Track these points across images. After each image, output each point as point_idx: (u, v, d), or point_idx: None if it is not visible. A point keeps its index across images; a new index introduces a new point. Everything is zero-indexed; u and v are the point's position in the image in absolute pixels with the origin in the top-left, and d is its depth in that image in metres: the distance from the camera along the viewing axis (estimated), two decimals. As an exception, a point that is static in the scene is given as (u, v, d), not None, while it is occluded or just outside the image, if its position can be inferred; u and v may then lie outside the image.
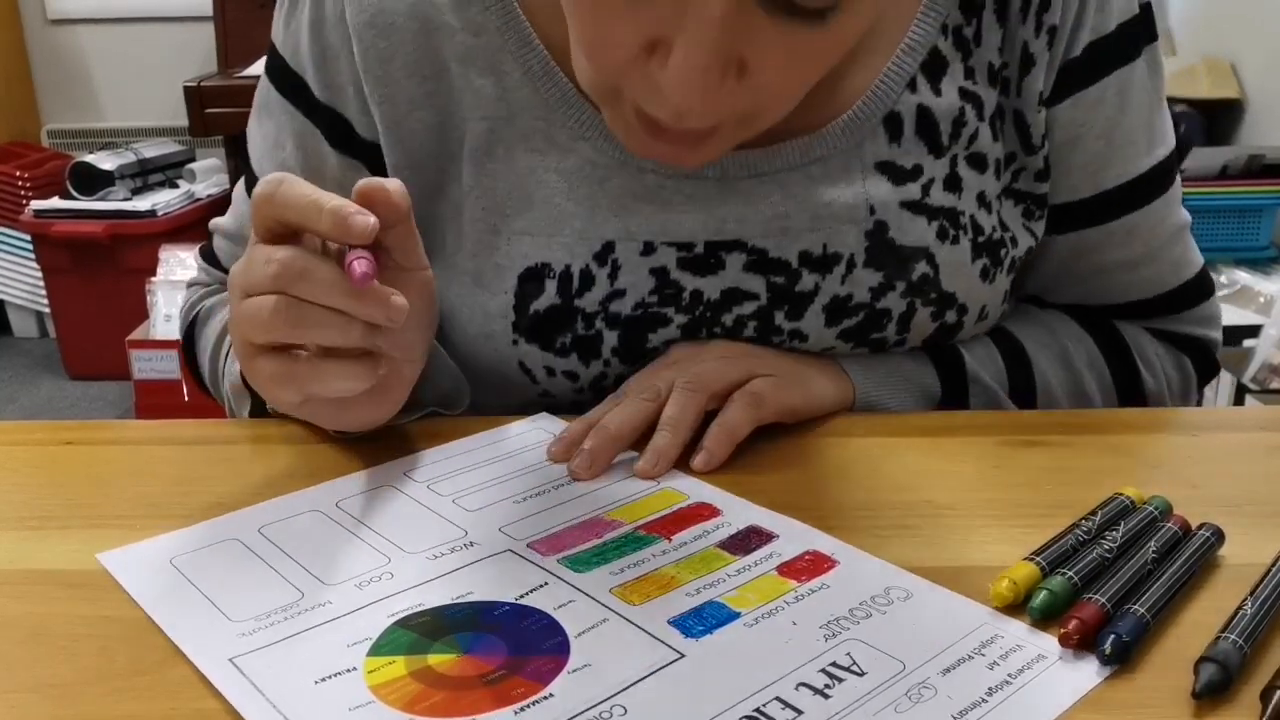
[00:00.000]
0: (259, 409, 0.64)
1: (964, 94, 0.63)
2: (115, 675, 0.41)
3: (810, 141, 0.62)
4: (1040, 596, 0.43)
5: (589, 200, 0.62)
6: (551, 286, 0.62)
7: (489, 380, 0.66)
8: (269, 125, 0.69)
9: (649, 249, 0.62)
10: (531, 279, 0.63)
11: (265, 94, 0.69)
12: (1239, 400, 1.75)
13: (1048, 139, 0.65)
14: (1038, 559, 0.45)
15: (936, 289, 0.63)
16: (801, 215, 0.61)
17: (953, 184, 0.63)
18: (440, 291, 0.64)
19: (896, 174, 0.62)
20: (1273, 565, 0.44)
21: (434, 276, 0.56)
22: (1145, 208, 0.67)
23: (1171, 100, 2.23)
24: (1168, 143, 0.68)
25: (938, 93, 0.62)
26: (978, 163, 0.63)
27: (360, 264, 0.47)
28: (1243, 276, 2.07)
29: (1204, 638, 0.40)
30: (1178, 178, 0.69)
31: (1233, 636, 0.39)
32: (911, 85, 0.62)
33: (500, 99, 0.63)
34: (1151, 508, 0.49)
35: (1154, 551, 0.45)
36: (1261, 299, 2.01)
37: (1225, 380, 1.80)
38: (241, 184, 0.74)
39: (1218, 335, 0.74)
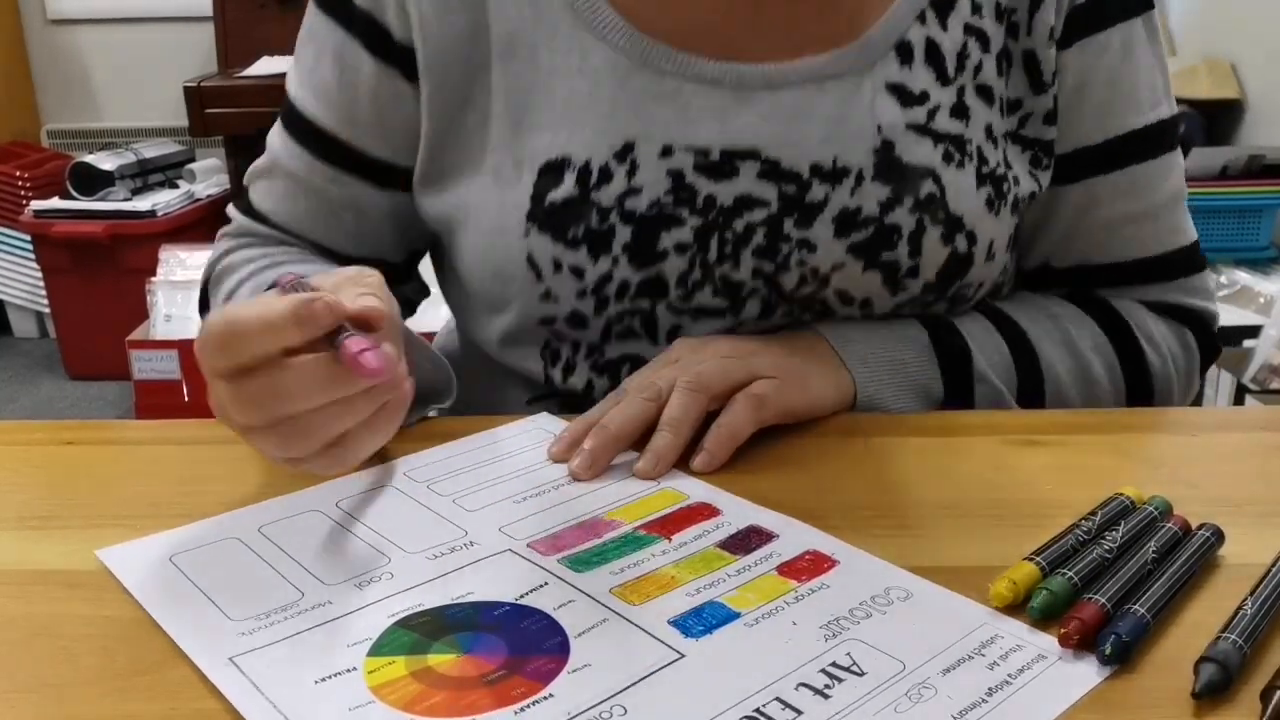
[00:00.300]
0: None
1: (969, 29, 0.66)
2: (115, 675, 0.41)
3: (825, 60, 0.64)
4: (1040, 596, 0.43)
5: (610, 100, 0.64)
6: (570, 179, 0.64)
7: (490, 290, 0.67)
8: (308, 52, 0.71)
9: (667, 152, 0.63)
10: (550, 171, 0.64)
11: (308, 21, 0.71)
12: (1239, 400, 1.75)
13: (1058, 80, 0.67)
14: (1038, 559, 0.45)
15: (944, 209, 0.64)
16: (813, 129, 0.64)
17: (960, 112, 0.65)
18: (460, 196, 0.67)
19: (905, 97, 0.64)
20: (1273, 565, 0.44)
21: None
22: (1150, 161, 0.70)
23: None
24: (1171, 106, 0.71)
25: (944, 27, 0.65)
26: (985, 94, 0.66)
27: (370, 357, 0.44)
28: (1243, 277, 2.07)
29: (1204, 638, 0.40)
30: (1179, 148, 0.72)
31: (1233, 636, 0.39)
32: (921, 18, 0.65)
33: (530, 2, 0.65)
34: (1151, 508, 0.49)
35: (1154, 551, 0.45)
36: (1261, 299, 2.01)
37: (1225, 380, 1.80)
38: (277, 126, 0.75)
39: (1215, 309, 0.76)
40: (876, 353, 0.65)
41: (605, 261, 0.64)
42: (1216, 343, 0.76)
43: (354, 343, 0.45)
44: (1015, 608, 0.43)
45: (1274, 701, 0.37)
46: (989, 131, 0.66)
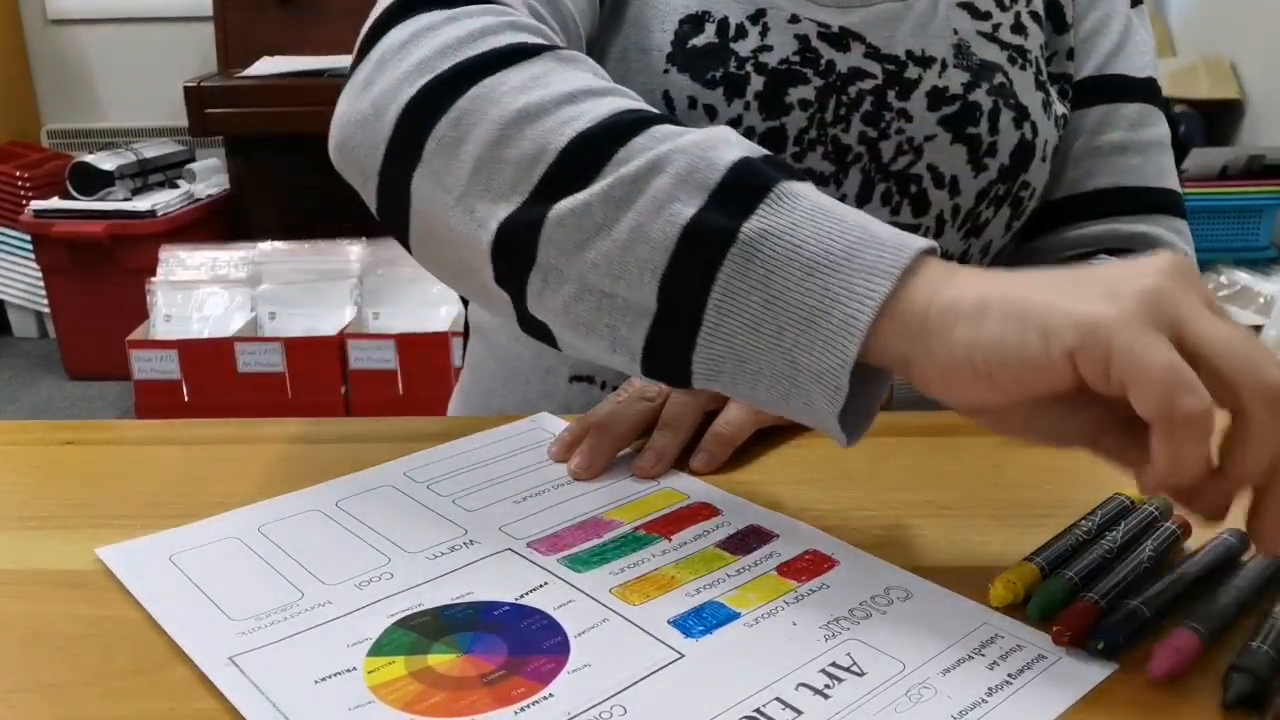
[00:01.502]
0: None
1: None
2: (115, 675, 0.41)
3: None
4: (1039, 596, 0.43)
5: None
6: (710, 29, 0.69)
7: None
8: None
9: (794, 19, 0.69)
10: (691, 21, 0.69)
11: None
12: (1239, 400, 1.74)
13: (1074, 32, 0.76)
14: (1037, 559, 0.45)
15: (1014, 97, 0.71)
16: (904, 30, 0.71)
17: (1019, 29, 0.74)
18: (602, 41, 0.68)
19: (974, 12, 0.73)
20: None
21: None
22: (1144, 104, 0.77)
23: (1171, 100, 2.23)
24: (1158, 76, 0.79)
25: None
26: (1036, 19, 0.75)
27: None
28: (1243, 277, 2.07)
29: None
30: (1167, 122, 0.78)
31: (1264, 646, 0.39)
32: None
33: None
34: (1151, 508, 0.49)
35: (1151, 550, 0.45)
36: (1261, 299, 2.01)
37: (1225, 380, 1.79)
38: None
39: (1192, 254, 0.78)
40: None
41: (738, 105, 0.68)
42: None
43: None
44: (1014, 607, 0.43)
45: (1275, 706, 0.37)
46: (1042, 49, 0.75)
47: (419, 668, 0.41)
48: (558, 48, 0.52)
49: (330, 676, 0.40)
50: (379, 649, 0.42)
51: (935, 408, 0.44)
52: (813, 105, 0.69)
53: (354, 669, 0.41)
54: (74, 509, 0.54)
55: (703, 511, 0.52)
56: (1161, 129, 0.78)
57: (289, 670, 0.40)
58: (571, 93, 0.48)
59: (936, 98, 0.70)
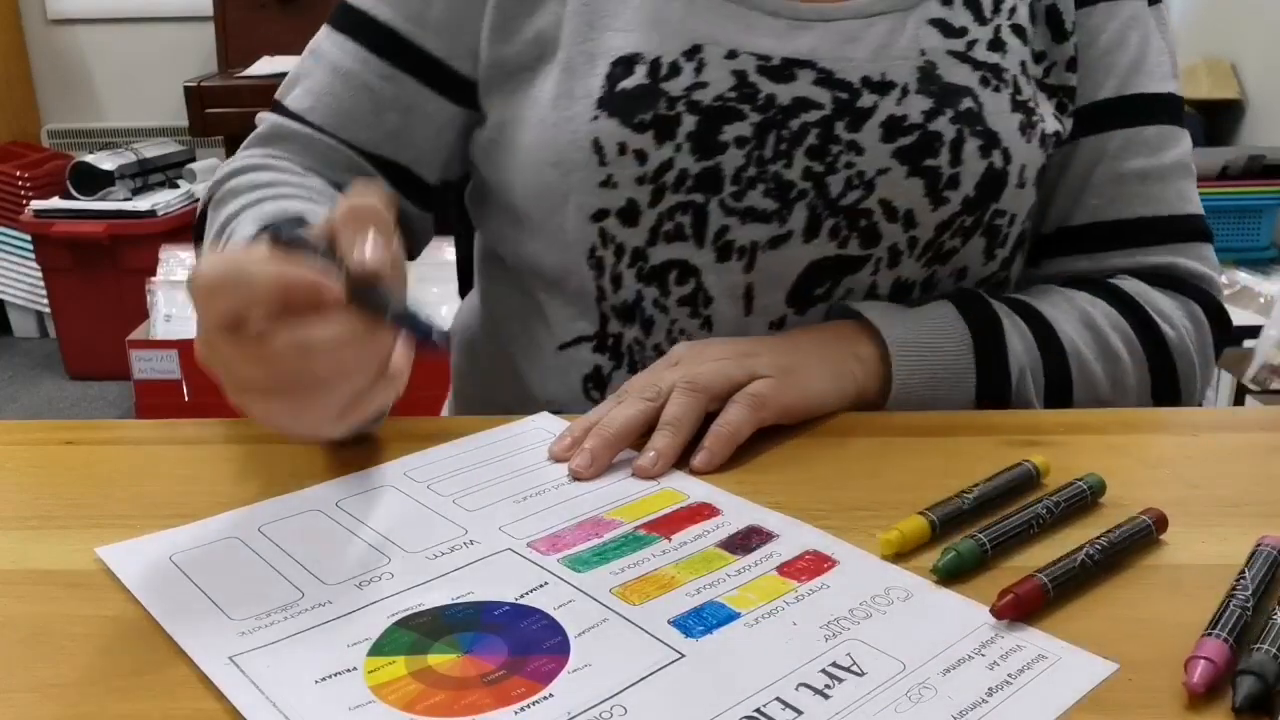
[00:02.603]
0: None
1: None
2: (115, 675, 0.41)
3: (873, 0, 0.70)
4: (947, 558, 0.45)
5: (681, 10, 0.69)
6: (641, 70, 0.67)
7: (547, 184, 0.69)
8: None
9: (732, 54, 0.68)
10: (622, 64, 0.68)
11: None
12: (1239, 400, 1.75)
13: (1078, 39, 0.73)
14: (930, 514, 0.49)
15: (982, 124, 0.68)
16: (862, 51, 0.69)
17: (997, 46, 0.70)
18: (523, 94, 0.71)
19: (946, 29, 0.70)
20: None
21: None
22: (1161, 126, 0.75)
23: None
24: (1180, 89, 0.76)
25: None
26: (1019, 33, 0.72)
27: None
28: (1243, 277, 2.07)
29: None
30: (1187, 131, 0.76)
31: (1266, 647, 0.39)
32: None
33: None
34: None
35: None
36: (1261, 299, 2.01)
37: (1225, 380, 1.79)
38: (322, 31, 0.75)
39: (1219, 280, 0.77)
40: (918, 338, 0.66)
41: (668, 148, 0.66)
42: (1226, 316, 0.76)
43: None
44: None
45: None
46: (1023, 67, 0.71)
47: (419, 668, 0.41)
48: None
49: (331, 676, 0.40)
50: (379, 649, 0.42)
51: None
52: (750, 142, 0.66)
53: (354, 669, 0.41)
54: (74, 509, 0.54)
55: (703, 511, 0.52)
56: (1182, 148, 0.76)
57: (289, 670, 0.40)
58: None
59: (892, 128, 0.67)
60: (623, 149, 0.66)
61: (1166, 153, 0.74)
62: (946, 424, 0.63)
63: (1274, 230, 2.15)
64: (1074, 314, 0.70)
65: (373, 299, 0.46)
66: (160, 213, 2.75)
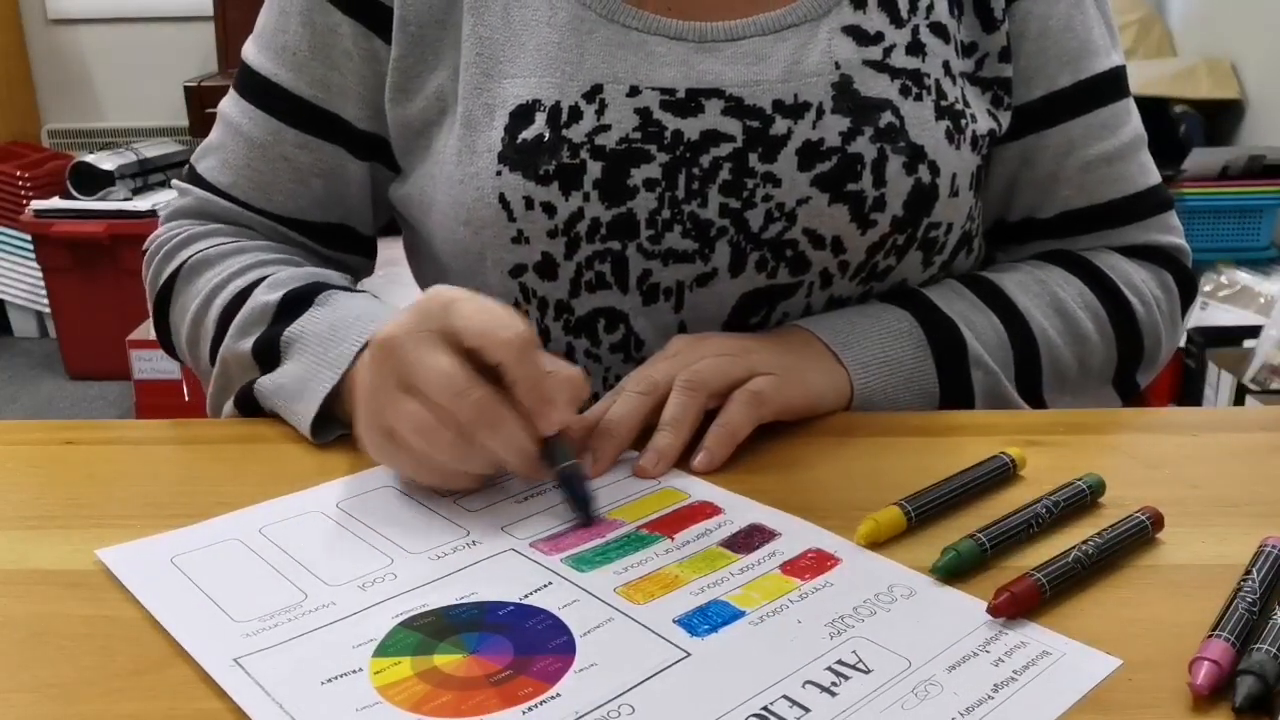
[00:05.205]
0: (245, 398, 0.65)
1: None
2: (115, 675, 0.41)
3: (783, 13, 0.67)
4: (947, 557, 0.45)
5: (577, 49, 0.66)
6: (541, 119, 0.65)
7: (463, 244, 0.68)
8: (271, 18, 0.72)
9: (634, 91, 0.65)
10: (521, 114, 0.65)
11: None
12: (1239, 400, 1.75)
13: (1017, 30, 0.70)
14: (905, 505, 0.50)
15: (905, 139, 0.65)
16: (772, 70, 0.66)
17: (915, 49, 0.67)
18: (439, 150, 0.69)
19: (860, 37, 0.66)
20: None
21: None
22: (1116, 103, 0.74)
23: (1172, 100, 2.23)
24: (1120, 55, 0.75)
25: None
26: (939, 32, 0.68)
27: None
28: (1243, 277, 2.07)
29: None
30: (1133, 101, 0.76)
31: (1267, 647, 0.39)
32: None
33: None
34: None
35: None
36: (1261, 299, 2.01)
37: (1225, 380, 1.80)
38: (230, 97, 0.76)
39: (1186, 246, 0.78)
40: (871, 351, 0.65)
41: (576, 198, 0.64)
42: (1194, 279, 0.78)
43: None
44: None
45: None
46: (946, 68, 0.68)
47: (425, 668, 0.40)
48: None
49: (336, 677, 0.40)
50: (384, 650, 0.42)
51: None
52: (660, 184, 0.64)
53: (360, 670, 0.40)
54: (74, 509, 0.54)
55: (704, 510, 0.52)
56: (1134, 118, 0.75)
57: (295, 672, 0.40)
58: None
59: (809, 154, 0.64)
60: (529, 203, 0.65)
61: (1123, 129, 0.74)
62: (946, 424, 0.62)
63: (1274, 230, 2.15)
64: (1045, 298, 0.70)
65: (553, 447, 0.52)
66: (160, 213, 2.75)
